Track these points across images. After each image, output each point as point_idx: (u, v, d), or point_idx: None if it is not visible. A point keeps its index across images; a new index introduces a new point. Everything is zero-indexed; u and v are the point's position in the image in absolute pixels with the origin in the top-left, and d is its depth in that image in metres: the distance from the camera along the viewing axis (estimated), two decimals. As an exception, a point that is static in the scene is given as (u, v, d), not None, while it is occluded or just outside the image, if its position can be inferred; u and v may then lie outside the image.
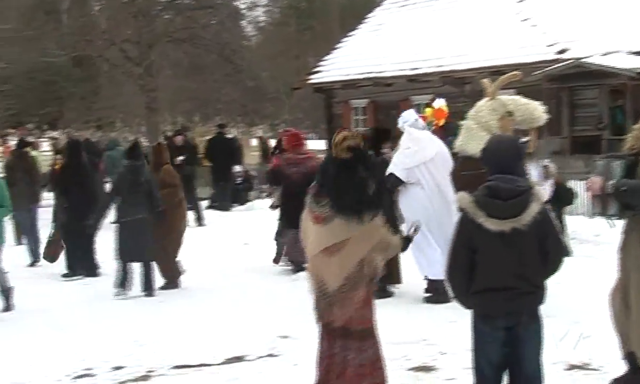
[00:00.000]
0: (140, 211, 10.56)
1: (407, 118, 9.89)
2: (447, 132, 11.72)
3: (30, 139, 22.02)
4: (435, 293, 9.47)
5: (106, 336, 8.71)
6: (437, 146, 9.65)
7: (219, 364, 7.57)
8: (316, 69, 26.42)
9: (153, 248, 10.71)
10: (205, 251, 13.61)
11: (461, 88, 22.08)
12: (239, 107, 45.14)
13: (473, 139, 9.41)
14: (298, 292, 10.22)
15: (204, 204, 19.57)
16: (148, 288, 10.69)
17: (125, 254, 10.60)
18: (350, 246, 5.57)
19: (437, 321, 8.57)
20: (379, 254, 5.71)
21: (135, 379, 7.21)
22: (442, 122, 11.87)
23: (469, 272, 4.91)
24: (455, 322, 8.14)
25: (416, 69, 23.20)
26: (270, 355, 7.78)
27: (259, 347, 8.00)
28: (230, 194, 20.88)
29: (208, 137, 23.25)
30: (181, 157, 18.04)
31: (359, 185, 5.56)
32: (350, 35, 27.07)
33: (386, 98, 23.83)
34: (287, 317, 9.02)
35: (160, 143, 13.16)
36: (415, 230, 6.33)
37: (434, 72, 22.81)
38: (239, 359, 7.72)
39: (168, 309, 9.93)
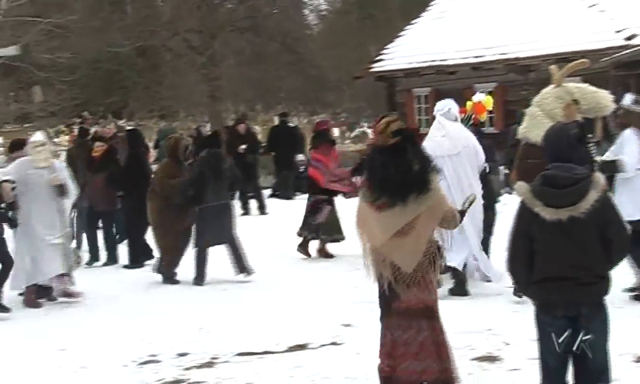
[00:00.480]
0: (225, 196, 11.01)
1: (441, 107, 9.78)
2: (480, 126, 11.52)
3: (96, 128, 22.31)
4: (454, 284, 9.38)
5: (171, 323, 8.82)
6: (465, 140, 9.48)
7: (282, 352, 7.61)
8: (378, 58, 26.29)
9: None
10: (268, 239, 13.67)
11: (525, 76, 21.79)
12: (300, 96, 45.21)
13: (537, 126, 9.25)
14: (361, 281, 10.23)
15: (267, 192, 19.65)
16: (242, 268, 10.91)
17: (213, 238, 10.83)
18: (421, 222, 5.58)
19: (502, 311, 8.49)
20: (447, 226, 5.74)
21: (200, 366, 7.29)
22: (482, 116, 11.71)
23: (528, 262, 4.85)
24: (520, 312, 8.05)
25: (480, 56, 22.96)
26: (333, 343, 7.79)
27: (322, 335, 8.02)
28: (292, 183, 20.92)
29: (271, 126, 23.33)
30: (243, 146, 18.12)
31: (405, 166, 5.55)
32: (413, 23, 26.88)
33: (449, 86, 23.61)
34: (349, 305, 9.02)
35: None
36: (470, 204, 6.32)
37: (498, 59, 22.52)
38: (302, 347, 7.75)
39: (231, 297, 10.01)
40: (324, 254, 12.30)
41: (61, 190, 9.85)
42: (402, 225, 5.60)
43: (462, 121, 10.16)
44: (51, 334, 8.53)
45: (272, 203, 18.80)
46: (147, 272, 11.21)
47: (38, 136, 10.18)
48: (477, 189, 9.02)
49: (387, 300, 5.81)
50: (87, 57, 27.65)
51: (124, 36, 28.72)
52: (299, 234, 12.37)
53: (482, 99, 11.57)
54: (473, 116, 11.24)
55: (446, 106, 9.75)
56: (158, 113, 38.22)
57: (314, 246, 12.37)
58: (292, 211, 17.80)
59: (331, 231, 12.21)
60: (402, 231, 5.60)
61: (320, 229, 12.21)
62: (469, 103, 11.57)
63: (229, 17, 25.84)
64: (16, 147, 10.65)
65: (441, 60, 23.89)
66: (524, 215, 4.82)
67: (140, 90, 37.17)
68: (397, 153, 5.61)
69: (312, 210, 12.27)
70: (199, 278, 10.83)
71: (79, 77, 26.29)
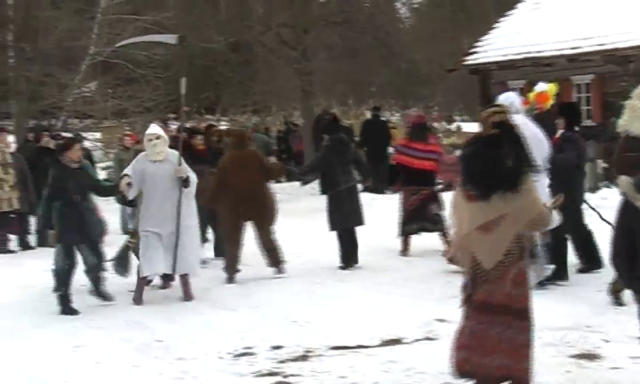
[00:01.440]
0: (351, 179, 11.41)
1: (502, 100, 9.59)
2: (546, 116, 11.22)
3: (190, 124, 22.65)
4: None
5: (265, 315, 8.89)
6: (528, 131, 9.27)
7: (376, 346, 7.59)
8: (472, 50, 26.00)
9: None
10: (360, 233, 13.63)
11: (625, 67, 21.22)
12: (392, 90, 45.06)
13: (638, 119, 9.01)
14: (454, 275, 10.13)
15: (359, 187, 19.60)
16: (354, 260, 11.27)
17: (346, 220, 11.24)
18: (506, 222, 5.44)
19: (601, 308, 8.28)
20: (536, 229, 5.60)
21: (295, 359, 7.32)
22: (547, 106, 11.42)
23: (631, 256, 4.72)
24: (620, 309, 7.86)
25: (577, 48, 22.46)
26: (428, 338, 7.74)
27: (416, 330, 7.98)
28: (385, 177, 20.85)
29: (363, 120, 23.30)
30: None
31: (496, 160, 5.42)
32: (507, 15, 26.48)
33: (545, 78, 23.08)
34: (443, 300, 8.94)
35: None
36: (558, 204, 6.12)
37: (596, 50, 21.99)
38: (395, 341, 7.72)
39: (324, 290, 10.02)
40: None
41: (184, 182, 9.83)
42: (486, 220, 5.50)
43: (527, 112, 9.97)
44: (150, 325, 8.68)
45: (364, 197, 18.72)
46: (240, 266, 11.30)
47: (153, 129, 10.18)
48: (544, 182, 8.80)
49: (468, 291, 5.73)
50: (181, 53, 28.07)
51: (218, 32, 29.04)
52: (404, 232, 12.26)
53: (545, 88, 11.36)
54: (537, 106, 11.03)
55: (508, 98, 9.58)
56: (251, 108, 38.58)
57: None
58: (384, 204, 17.77)
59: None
60: (485, 226, 5.50)
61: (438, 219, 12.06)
62: (531, 94, 11.37)
63: (322, 11, 25.86)
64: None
65: (537, 52, 23.47)
66: (626, 209, 4.69)
67: (233, 86, 37.58)
68: (492, 145, 5.50)
69: (425, 202, 12.11)
70: (344, 261, 11.25)
71: (174, 74, 26.67)
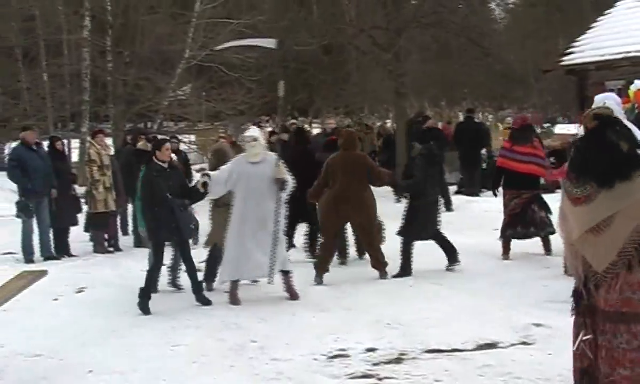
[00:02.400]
0: (437, 191, 11.37)
1: (598, 102, 9.32)
2: None
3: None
4: None
5: (358, 318, 8.87)
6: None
7: (471, 350, 7.50)
8: (568, 50, 25.52)
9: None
10: (454, 236, 13.50)
11: None
12: (485, 91, 44.57)
13: None
14: (551, 279, 9.95)
15: (452, 189, 19.47)
16: (453, 260, 11.19)
17: (422, 231, 11.08)
18: (618, 221, 5.23)
19: None
20: None
21: (389, 362, 7.28)
22: None
23: None
24: None
25: (678, 47, 21.88)
26: (524, 343, 7.62)
27: (512, 334, 7.87)
28: (479, 179, 20.65)
29: (456, 122, 23.12)
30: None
31: (607, 149, 5.22)
32: (606, 14, 25.91)
33: (644, 78, 22.66)
34: (540, 304, 8.80)
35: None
36: None
37: (698, 49, 21.40)
38: (491, 345, 7.61)
39: (417, 293, 9.97)
40: (548, 251, 11.97)
41: (281, 184, 9.92)
42: (597, 221, 5.31)
43: (626, 112, 9.70)
44: (245, 325, 8.76)
45: (458, 200, 18.61)
46: (333, 267, 11.31)
47: (252, 131, 10.28)
48: None
49: (579, 298, 5.57)
50: (274, 56, 28.31)
51: (310, 35, 29.18)
52: (506, 236, 12.13)
53: None
54: (637, 105, 10.73)
55: (602, 99, 9.33)
56: (343, 110, 38.66)
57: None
58: (478, 207, 17.60)
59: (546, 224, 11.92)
60: (596, 227, 5.31)
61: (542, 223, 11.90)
62: (630, 92, 11.07)
63: (415, 13, 25.74)
64: None
65: (636, 52, 22.90)
66: None
67: (326, 88, 37.72)
68: (599, 135, 5.29)
69: (527, 206, 11.95)
70: (403, 270, 10.99)
71: (267, 76, 26.92)
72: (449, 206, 17.63)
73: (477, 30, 28.31)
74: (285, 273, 10.05)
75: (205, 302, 9.76)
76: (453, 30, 27.21)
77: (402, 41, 25.46)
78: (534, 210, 11.81)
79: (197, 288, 9.86)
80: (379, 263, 10.98)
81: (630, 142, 5.19)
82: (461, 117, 26.17)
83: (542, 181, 12.49)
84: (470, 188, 20.28)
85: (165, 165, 9.85)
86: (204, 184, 9.87)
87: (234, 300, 9.85)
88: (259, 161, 9.90)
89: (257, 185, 9.86)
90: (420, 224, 11.02)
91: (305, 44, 28.38)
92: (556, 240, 9.84)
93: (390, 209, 13.98)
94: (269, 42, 11.19)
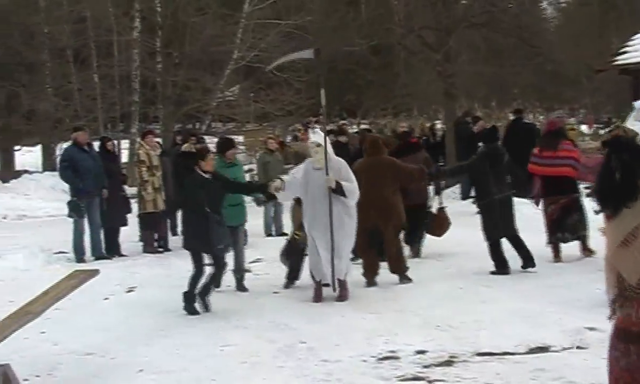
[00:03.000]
0: (505, 189, 11.27)
1: (636, 106, 9.13)
2: None
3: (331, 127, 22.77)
4: None
5: (408, 319, 8.82)
6: None
7: (522, 354, 7.41)
8: (622, 50, 25.15)
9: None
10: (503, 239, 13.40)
11: None
12: (536, 92, 44.11)
13: None
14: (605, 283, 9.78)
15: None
16: (529, 262, 11.13)
17: (497, 230, 11.13)
18: None
19: None
20: None
21: (439, 364, 7.21)
22: None
23: None
24: None
25: None
26: (577, 347, 7.50)
27: (565, 338, 7.75)
28: (529, 181, 20.39)
29: (506, 123, 22.89)
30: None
31: (607, 174, 5.15)
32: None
33: (699, 78, 22.24)
34: (593, 308, 8.62)
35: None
36: None
37: None
38: (543, 349, 7.52)
39: (468, 295, 9.90)
40: (588, 251, 11.81)
41: (336, 191, 9.87)
42: (624, 235, 5.22)
43: None
44: (294, 326, 8.76)
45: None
46: (384, 269, 11.24)
47: (316, 137, 10.25)
48: None
49: (612, 312, 5.39)
50: (323, 57, 28.34)
51: (359, 35, 29.14)
52: (550, 240, 11.98)
53: None
54: None
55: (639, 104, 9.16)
56: (392, 111, 38.53)
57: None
58: (527, 210, 17.38)
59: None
60: (625, 241, 5.22)
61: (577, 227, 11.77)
62: None
63: (465, 12, 25.55)
64: None
65: (691, 51, 22.54)
66: None
67: (374, 89, 37.68)
68: (605, 162, 5.28)
69: (564, 211, 11.81)
70: (500, 267, 11.05)
71: (315, 77, 26.95)
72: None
73: (528, 29, 28.05)
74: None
75: (194, 312, 9.58)
76: (504, 29, 27.00)
77: (452, 41, 25.29)
78: (570, 215, 11.67)
79: (202, 291, 9.75)
80: (399, 268, 10.89)
81: (627, 167, 5.09)
82: (511, 118, 25.88)
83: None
84: (520, 190, 20.03)
85: (208, 176, 9.81)
86: (278, 188, 9.99)
87: (317, 298, 10.04)
88: (321, 168, 9.92)
89: (321, 191, 9.91)
90: (492, 222, 11.10)
91: (353, 44, 28.37)
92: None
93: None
94: (307, 53, 11.19)
